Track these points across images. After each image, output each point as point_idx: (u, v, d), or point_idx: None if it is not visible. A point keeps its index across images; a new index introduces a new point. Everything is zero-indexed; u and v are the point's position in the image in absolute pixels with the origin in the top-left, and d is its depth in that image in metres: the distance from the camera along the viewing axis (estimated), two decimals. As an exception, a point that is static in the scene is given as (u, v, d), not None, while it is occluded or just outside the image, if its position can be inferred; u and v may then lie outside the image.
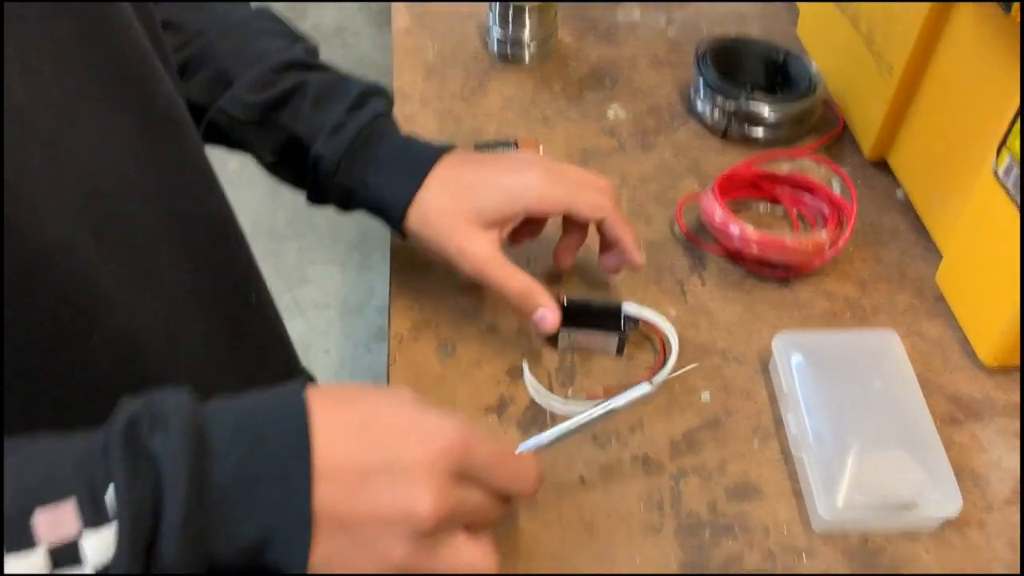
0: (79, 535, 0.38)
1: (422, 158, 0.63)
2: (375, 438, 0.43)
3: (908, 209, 0.78)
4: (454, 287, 0.71)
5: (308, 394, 0.43)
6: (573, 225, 0.67)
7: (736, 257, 0.73)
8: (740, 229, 0.69)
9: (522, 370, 0.65)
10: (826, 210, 0.75)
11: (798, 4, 0.96)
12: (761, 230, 0.69)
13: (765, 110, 0.81)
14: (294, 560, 0.42)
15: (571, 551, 0.56)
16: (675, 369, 0.64)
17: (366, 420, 0.44)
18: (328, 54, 0.67)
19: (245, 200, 2.13)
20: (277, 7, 0.73)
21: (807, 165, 0.81)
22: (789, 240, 0.68)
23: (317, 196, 0.67)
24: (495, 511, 0.47)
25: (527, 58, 0.90)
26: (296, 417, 0.42)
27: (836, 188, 0.79)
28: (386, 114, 0.66)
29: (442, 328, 0.68)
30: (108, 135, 0.48)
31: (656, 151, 0.83)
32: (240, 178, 1.97)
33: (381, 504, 0.42)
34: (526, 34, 0.89)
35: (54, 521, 0.38)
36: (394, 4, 0.97)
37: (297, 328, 1.97)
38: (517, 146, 0.81)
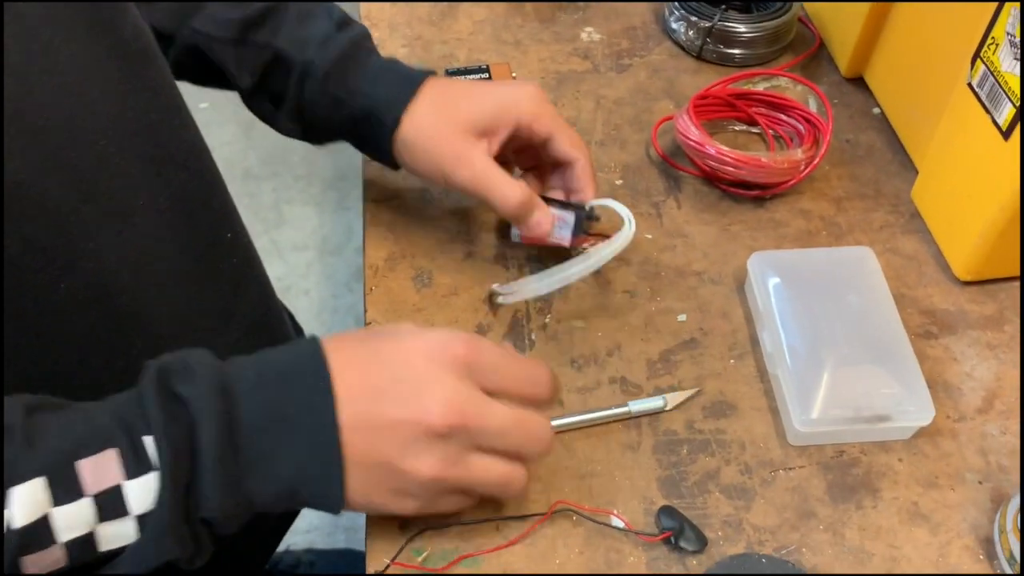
0: (123, 482, 0.38)
1: (413, 74, 0.63)
2: (384, 361, 0.46)
3: (885, 126, 0.78)
4: (428, 217, 0.70)
5: (321, 340, 0.45)
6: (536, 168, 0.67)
7: (712, 178, 0.72)
8: (715, 149, 0.68)
9: (491, 292, 0.65)
10: (802, 129, 0.74)
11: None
12: (736, 150, 0.69)
13: (740, 28, 0.80)
14: (331, 493, 0.44)
15: (551, 473, 0.56)
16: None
17: (375, 348, 0.47)
18: None
19: (217, 141, 2.10)
20: None
21: (783, 84, 0.80)
22: (765, 158, 0.68)
23: (298, 117, 0.65)
24: (519, 432, 0.48)
25: (497, -19, 0.88)
26: (313, 357, 0.45)
27: (813, 106, 0.78)
28: (368, 37, 0.66)
29: (418, 258, 0.68)
30: (80, 69, 0.46)
31: (631, 73, 0.82)
32: (211, 118, 1.93)
33: (397, 415, 0.45)
34: (496, -45, 0.86)
35: (98, 470, 0.39)
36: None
37: (276, 269, 1.96)
38: (489, 71, 0.80)
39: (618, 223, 0.63)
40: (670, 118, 0.76)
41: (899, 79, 0.74)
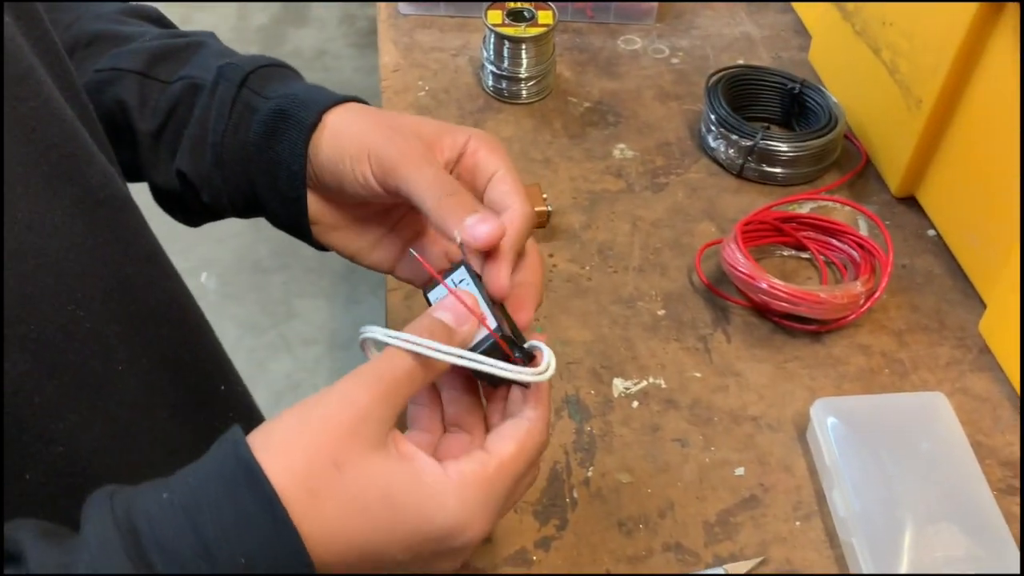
0: None
1: (331, 94, 0.51)
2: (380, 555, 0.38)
3: (942, 249, 0.73)
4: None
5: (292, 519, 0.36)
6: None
7: (763, 309, 0.67)
8: (768, 283, 0.63)
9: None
10: (856, 255, 0.69)
11: (810, 29, 0.91)
12: (790, 284, 0.64)
13: (783, 147, 0.75)
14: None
15: (602, 662, 0.49)
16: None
17: (364, 532, 0.37)
18: (309, 79, 0.59)
19: (226, 232, 2.07)
20: (255, 31, 0.66)
21: (830, 206, 0.76)
22: (823, 294, 0.63)
23: (196, 151, 0.53)
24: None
25: (524, 95, 0.85)
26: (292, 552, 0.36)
27: (863, 229, 0.74)
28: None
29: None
30: (43, 225, 0.41)
31: (668, 192, 0.77)
32: (221, 211, 1.91)
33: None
34: (523, 70, 0.83)
35: None
36: (381, 40, 0.91)
37: (284, 365, 1.91)
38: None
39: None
40: (715, 243, 0.71)
41: (957, 200, 0.70)
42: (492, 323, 0.42)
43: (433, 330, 0.40)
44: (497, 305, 0.44)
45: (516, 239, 0.44)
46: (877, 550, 0.52)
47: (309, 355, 1.94)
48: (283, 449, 0.36)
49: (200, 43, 0.56)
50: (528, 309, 0.45)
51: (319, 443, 0.36)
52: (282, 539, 0.35)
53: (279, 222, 0.54)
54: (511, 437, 0.40)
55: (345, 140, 0.48)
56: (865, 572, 0.52)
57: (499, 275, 0.43)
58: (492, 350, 0.41)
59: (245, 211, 0.55)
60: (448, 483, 0.37)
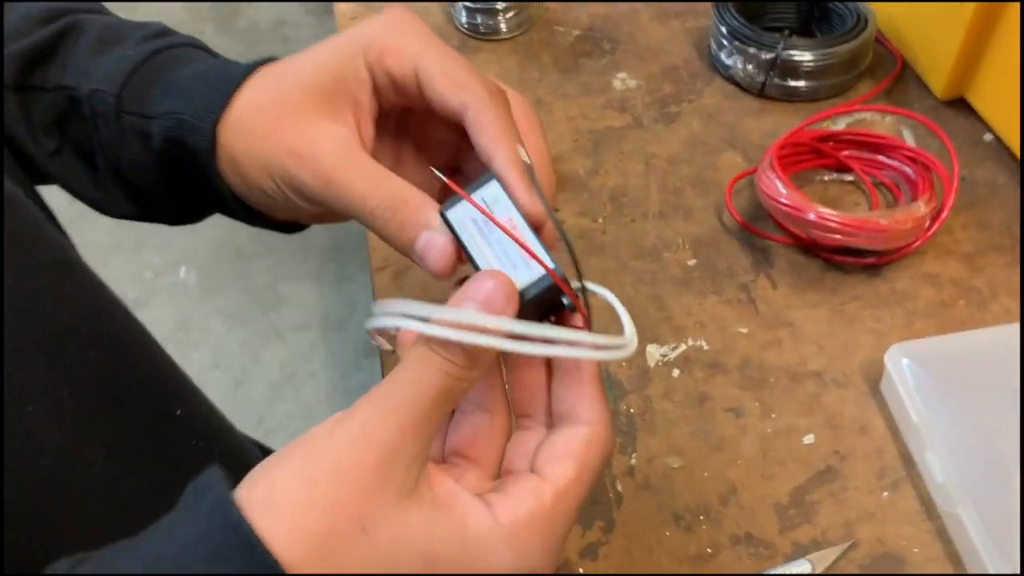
0: None
1: (234, 69, 0.42)
2: None
3: (1003, 155, 0.63)
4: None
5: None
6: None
7: (809, 246, 0.57)
8: (817, 213, 0.54)
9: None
10: (909, 171, 0.59)
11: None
12: (842, 212, 0.54)
13: (807, 56, 0.65)
14: None
15: None
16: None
17: None
18: (268, 52, 0.48)
19: (204, 222, 1.96)
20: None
21: (868, 118, 0.66)
22: (883, 220, 0.53)
23: (114, 176, 0.45)
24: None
25: (504, 28, 0.74)
26: None
27: (908, 140, 0.64)
28: (196, 47, 0.46)
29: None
30: None
31: (681, 122, 0.67)
32: (193, 200, 1.80)
33: None
34: (499, -1, 0.72)
35: None
36: (334, -16, 0.80)
37: (278, 354, 1.81)
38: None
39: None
40: (745, 174, 0.61)
41: (1016, 96, 0.60)
42: (548, 260, 0.33)
43: (490, 299, 0.30)
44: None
45: (497, 131, 0.35)
46: (991, 520, 0.43)
47: (303, 341, 1.85)
48: (292, 510, 0.27)
49: (72, 28, 0.45)
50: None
51: (340, 500, 0.28)
52: None
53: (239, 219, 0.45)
54: (569, 455, 0.31)
55: (251, 172, 0.39)
56: (979, 546, 0.43)
57: (497, 156, 0.35)
58: (546, 298, 0.32)
59: (191, 214, 0.48)
60: (498, 530, 0.29)
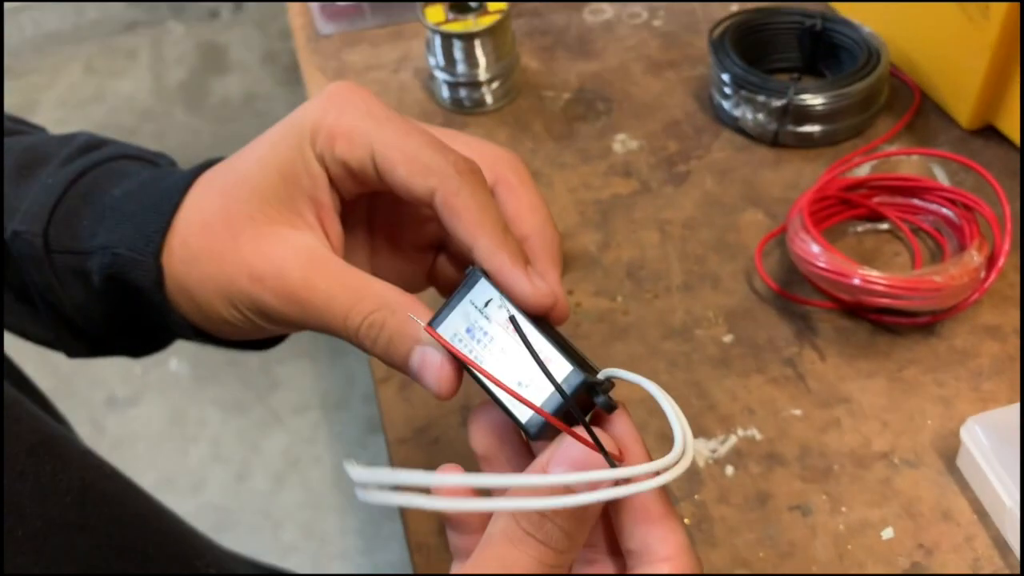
0: None
1: (176, 179, 0.36)
2: None
3: (1045, 184, 0.59)
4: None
5: None
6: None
7: (854, 308, 0.52)
8: (861, 277, 0.48)
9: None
10: (951, 214, 0.55)
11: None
12: (885, 269, 0.49)
13: (818, 100, 0.61)
14: None
15: None
16: None
17: None
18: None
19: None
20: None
21: (893, 159, 0.61)
22: (937, 277, 0.48)
23: (54, 318, 0.39)
24: None
25: (490, 100, 0.69)
26: None
27: (941, 178, 0.59)
28: (134, 157, 0.40)
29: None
30: None
31: (693, 182, 0.62)
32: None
33: None
34: (482, 71, 0.68)
35: None
36: (304, 69, 0.75)
37: (279, 441, 1.74)
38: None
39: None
40: (773, 235, 0.56)
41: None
42: (565, 370, 0.28)
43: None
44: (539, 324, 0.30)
45: (475, 213, 0.31)
46: (1120, 620, 0.38)
47: (304, 424, 1.78)
48: None
49: None
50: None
51: None
52: None
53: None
54: None
55: (208, 302, 0.34)
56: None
57: (533, 281, 0.31)
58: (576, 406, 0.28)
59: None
60: None
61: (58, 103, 2.44)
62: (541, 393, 0.29)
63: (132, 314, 0.38)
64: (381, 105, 0.33)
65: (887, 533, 0.44)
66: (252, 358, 1.88)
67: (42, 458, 0.34)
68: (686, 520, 0.46)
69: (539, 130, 0.68)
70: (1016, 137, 0.60)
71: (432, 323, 0.30)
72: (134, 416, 1.78)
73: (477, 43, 0.67)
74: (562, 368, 0.28)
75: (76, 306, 0.38)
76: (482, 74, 0.68)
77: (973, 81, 0.59)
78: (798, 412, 0.49)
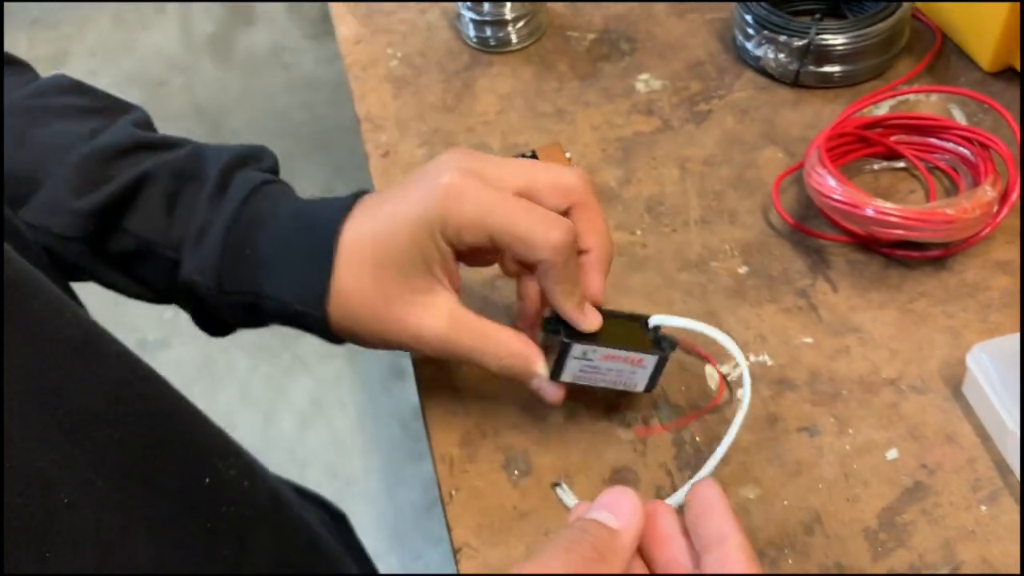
0: None
1: (321, 231, 0.44)
2: None
3: (1063, 125, 0.59)
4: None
5: None
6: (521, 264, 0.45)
7: (867, 242, 0.54)
8: (875, 208, 0.50)
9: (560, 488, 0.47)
10: (967, 152, 0.55)
11: None
12: (900, 203, 0.50)
13: (840, 40, 0.61)
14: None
15: None
16: None
17: None
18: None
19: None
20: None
21: (913, 99, 0.62)
22: (950, 210, 0.49)
23: (213, 326, 0.50)
24: None
25: (515, 39, 0.71)
26: None
27: (959, 118, 0.60)
28: (262, 183, 0.47)
29: (503, 434, 0.49)
30: None
31: (714, 121, 0.63)
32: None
33: None
34: (508, 9, 0.69)
35: None
36: (333, 7, 0.77)
37: (305, 386, 1.79)
38: (536, 158, 0.62)
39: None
40: (791, 171, 0.57)
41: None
42: (651, 357, 0.44)
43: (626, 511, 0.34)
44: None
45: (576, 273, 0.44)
46: (1110, 533, 0.39)
47: (329, 370, 1.82)
48: None
49: (144, 177, 0.47)
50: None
51: None
52: None
53: None
54: (738, 563, 0.31)
55: (360, 336, 0.45)
56: (1099, 563, 0.39)
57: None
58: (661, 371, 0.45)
59: None
60: None
61: (88, 54, 2.46)
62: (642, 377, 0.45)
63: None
64: (487, 186, 0.41)
65: (892, 454, 0.46)
66: (279, 306, 1.91)
67: (85, 355, 0.37)
68: (698, 439, 0.48)
69: (564, 69, 0.69)
70: (1037, 78, 0.60)
71: (551, 375, 0.44)
72: (164, 360, 1.83)
73: (503, -17, 0.68)
74: (651, 359, 0.44)
75: (235, 317, 0.47)
76: (508, 13, 0.69)
77: (994, 23, 0.59)
78: (809, 340, 0.51)
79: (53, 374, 0.34)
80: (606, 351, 0.43)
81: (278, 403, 1.77)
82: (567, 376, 0.44)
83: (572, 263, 0.42)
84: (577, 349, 0.43)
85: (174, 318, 1.87)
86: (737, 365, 0.50)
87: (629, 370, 0.44)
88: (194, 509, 0.41)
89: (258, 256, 0.45)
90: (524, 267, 0.44)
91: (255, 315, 0.47)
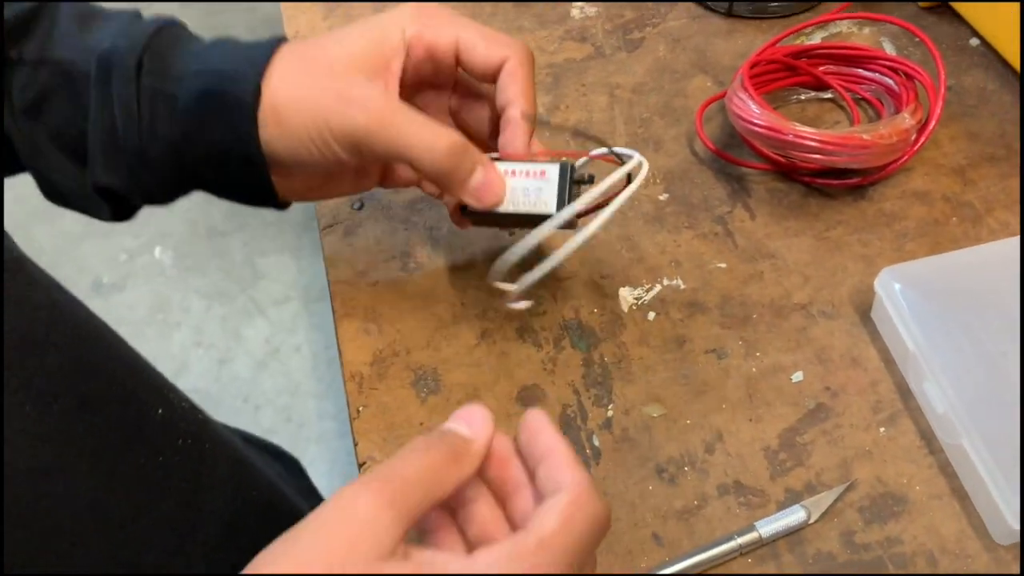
0: None
1: (257, 43, 0.44)
2: None
3: (991, 60, 0.59)
4: (418, 291, 0.51)
5: None
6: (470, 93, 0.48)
7: (787, 170, 0.53)
8: (794, 132, 0.49)
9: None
10: (892, 83, 0.55)
11: None
12: (822, 129, 0.50)
13: (777, -33, 0.61)
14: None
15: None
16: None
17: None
18: (231, 19, 0.46)
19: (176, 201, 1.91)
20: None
21: (844, 29, 0.61)
22: (866, 135, 0.49)
23: (109, 147, 0.43)
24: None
25: (452, -37, 0.69)
26: None
27: (889, 51, 0.60)
28: (184, 26, 0.46)
29: (414, 352, 0.49)
30: None
31: (646, 49, 0.62)
32: (160, 178, 1.75)
33: None
34: (444, -69, 0.67)
35: None
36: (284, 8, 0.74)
37: (261, 329, 1.77)
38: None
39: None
40: (716, 98, 0.57)
41: (1004, -5, 0.56)
42: (553, 166, 0.44)
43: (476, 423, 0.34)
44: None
45: (523, 83, 0.45)
46: (997, 449, 0.40)
47: (284, 315, 1.81)
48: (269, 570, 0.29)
49: (48, 4, 0.43)
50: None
51: (308, 560, 0.29)
52: None
53: (236, 199, 0.46)
54: (551, 509, 0.31)
55: (295, 119, 0.42)
56: (986, 477, 0.40)
57: (518, 136, 0.44)
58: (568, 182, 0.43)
59: (183, 196, 0.47)
60: (476, 569, 0.29)
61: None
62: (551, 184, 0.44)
63: (203, 142, 0.42)
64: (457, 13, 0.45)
65: (797, 376, 0.46)
66: (236, 250, 1.89)
67: (11, 275, 0.36)
68: (606, 358, 0.48)
69: (498, -5, 0.68)
70: (968, 13, 0.60)
71: (462, 208, 0.45)
72: (119, 301, 1.81)
73: (439, -97, 0.66)
74: (553, 168, 0.44)
75: (140, 133, 0.42)
76: (443, -65, 0.67)
77: (929, -48, 0.58)
78: (723, 265, 0.51)
79: None
80: (508, 166, 0.44)
81: (233, 346, 1.76)
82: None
83: (532, 74, 0.45)
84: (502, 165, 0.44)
85: (129, 260, 1.85)
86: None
87: (535, 187, 0.43)
88: (144, 441, 0.41)
89: (189, 51, 0.43)
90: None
91: (168, 112, 0.42)
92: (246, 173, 0.43)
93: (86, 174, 0.43)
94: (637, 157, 0.44)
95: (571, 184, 0.43)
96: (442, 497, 0.31)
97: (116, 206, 0.46)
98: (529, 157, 0.44)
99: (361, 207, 0.56)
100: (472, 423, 0.33)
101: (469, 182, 0.43)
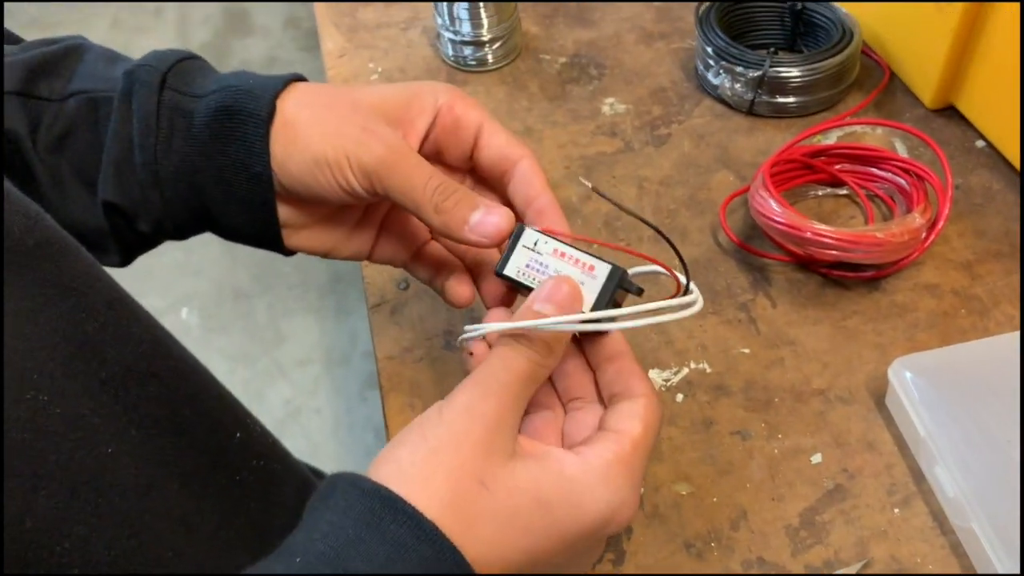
0: None
1: (280, 75, 0.45)
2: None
3: (996, 160, 0.63)
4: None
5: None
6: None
7: (806, 262, 0.57)
8: (812, 230, 0.53)
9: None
10: (903, 182, 0.59)
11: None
12: (838, 227, 0.54)
13: (794, 72, 0.65)
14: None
15: None
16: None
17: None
18: None
19: (200, 263, 1.96)
20: (199, 48, 0.54)
21: (859, 131, 0.66)
22: (879, 233, 0.53)
23: (119, 171, 0.44)
24: None
25: (491, 59, 0.74)
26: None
27: (901, 151, 0.64)
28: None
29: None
30: None
31: (672, 144, 0.67)
32: (193, 239, 1.81)
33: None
34: (485, 31, 0.73)
35: None
36: (320, 24, 0.80)
37: (282, 391, 1.81)
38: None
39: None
40: (739, 193, 0.61)
41: (1007, 99, 0.60)
42: (604, 265, 0.40)
43: (563, 301, 0.37)
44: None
45: (544, 180, 0.45)
46: (1005, 532, 0.43)
47: (306, 377, 1.85)
48: (421, 477, 0.33)
49: (78, 47, 0.46)
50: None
51: (458, 465, 0.33)
52: (446, 561, 0.31)
53: (240, 233, 0.46)
54: (635, 416, 0.37)
55: (311, 138, 0.42)
56: (995, 560, 0.43)
57: (560, 221, 0.44)
58: (618, 290, 0.40)
59: (190, 230, 0.47)
60: (593, 472, 0.35)
61: (83, 56, 2.49)
62: (596, 281, 0.40)
63: (215, 157, 0.43)
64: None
65: (816, 458, 0.49)
66: (260, 312, 1.94)
67: (119, 312, 0.40)
68: (637, 438, 0.51)
69: (535, 90, 0.73)
70: (973, 117, 0.64)
71: (498, 268, 0.41)
72: (144, 361, 1.85)
73: (482, 6, 0.72)
74: (603, 268, 0.40)
75: (156, 146, 0.43)
76: (485, 34, 0.73)
77: (935, 63, 0.63)
78: (747, 350, 0.54)
79: (90, 328, 0.37)
80: (559, 246, 0.40)
81: (255, 408, 1.78)
82: (511, 269, 0.40)
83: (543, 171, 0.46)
84: (529, 235, 0.40)
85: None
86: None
87: (578, 279, 0.39)
88: (225, 462, 0.44)
89: (210, 73, 0.45)
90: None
91: (186, 128, 0.43)
92: (251, 191, 0.43)
93: (98, 203, 0.44)
94: (698, 298, 0.41)
95: (616, 289, 0.40)
96: (548, 375, 0.38)
97: (122, 240, 0.46)
98: (584, 243, 0.42)
99: (407, 287, 0.60)
100: (556, 298, 0.37)
101: (469, 220, 0.40)
